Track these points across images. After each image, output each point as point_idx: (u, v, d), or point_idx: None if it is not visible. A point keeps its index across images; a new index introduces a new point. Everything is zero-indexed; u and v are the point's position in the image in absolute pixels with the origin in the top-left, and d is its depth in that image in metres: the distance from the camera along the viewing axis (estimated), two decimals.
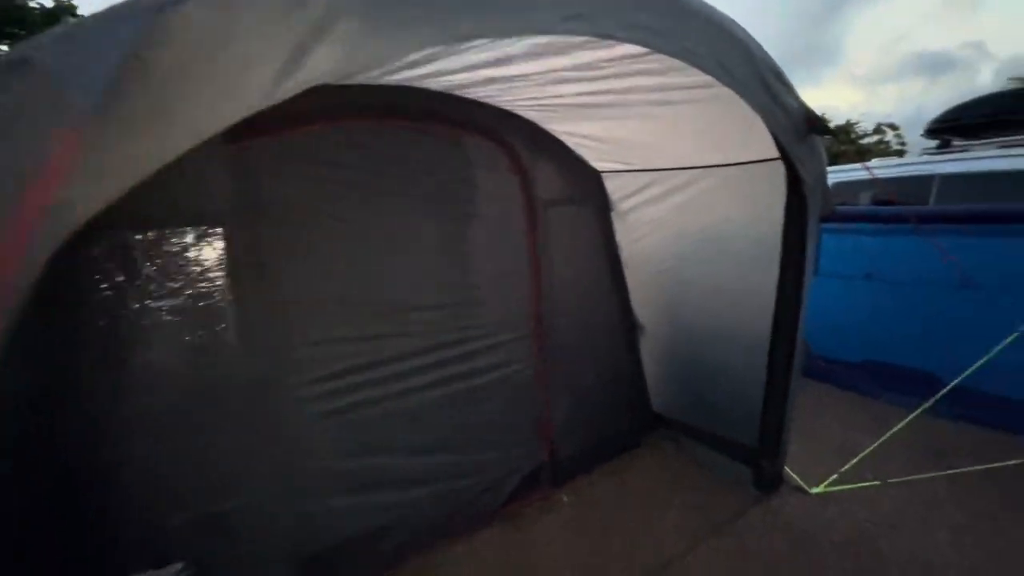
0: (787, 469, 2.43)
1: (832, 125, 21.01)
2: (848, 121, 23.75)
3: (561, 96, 2.00)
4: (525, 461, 2.43)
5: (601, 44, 1.45)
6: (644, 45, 1.30)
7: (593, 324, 2.71)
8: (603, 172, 2.70)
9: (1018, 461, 2.34)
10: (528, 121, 2.39)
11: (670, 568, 1.99)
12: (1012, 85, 12.02)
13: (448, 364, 2.20)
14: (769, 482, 2.38)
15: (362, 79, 1.77)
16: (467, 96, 2.13)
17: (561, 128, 2.42)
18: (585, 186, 2.66)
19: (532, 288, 2.44)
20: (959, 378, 2.71)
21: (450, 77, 1.85)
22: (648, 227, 2.64)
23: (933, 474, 2.37)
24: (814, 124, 1.79)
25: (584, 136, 2.41)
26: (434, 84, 1.96)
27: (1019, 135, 4.67)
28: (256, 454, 1.75)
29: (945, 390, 2.74)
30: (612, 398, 2.79)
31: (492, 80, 1.87)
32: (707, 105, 1.79)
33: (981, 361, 2.67)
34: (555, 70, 1.68)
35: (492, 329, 2.33)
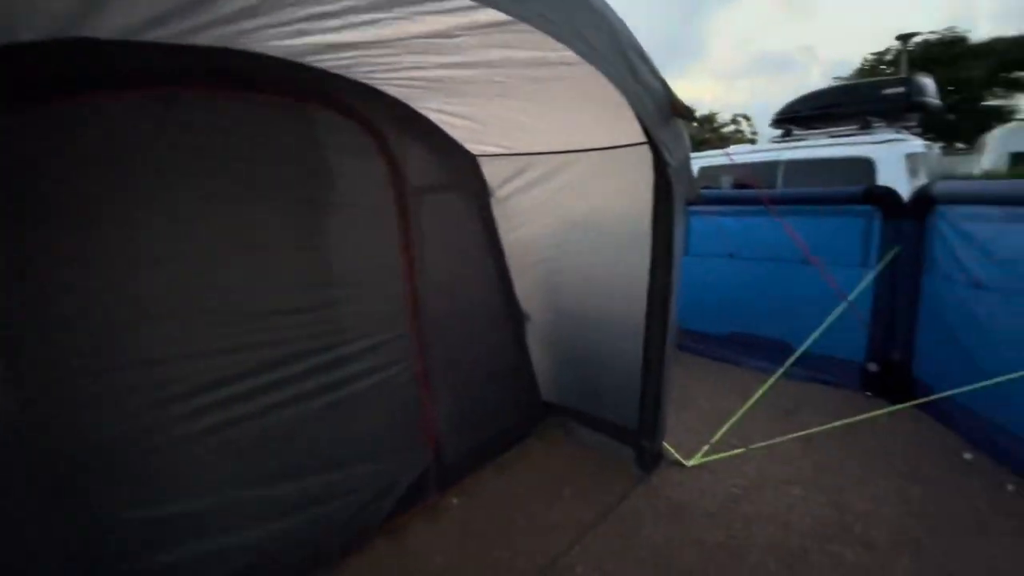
0: (666, 445, 2.53)
1: (697, 114, 23.14)
2: (711, 111, 26.33)
3: (423, 69, 1.80)
4: (409, 468, 2.25)
5: (452, 9, 1.28)
6: (487, 4, 1.15)
7: (477, 316, 2.58)
8: (479, 156, 2.55)
9: (857, 417, 2.65)
10: (395, 99, 2.15)
11: (557, 565, 1.96)
12: (834, 83, 14.02)
13: (318, 372, 1.93)
14: (650, 461, 2.46)
15: (174, 34, 1.42)
16: (316, 65, 1.84)
17: (431, 107, 2.22)
18: (461, 171, 2.49)
19: (407, 283, 2.23)
20: (804, 344, 3.03)
21: (286, 42, 1.56)
22: (526, 214, 2.56)
23: (790, 436, 2.61)
24: (678, 109, 1.79)
25: (456, 115, 2.23)
26: (270, 49, 1.65)
27: (842, 126, 5.44)
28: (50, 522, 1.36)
29: (794, 356, 3.05)
30: (500, 392, 2.69)
31: (335, 47, 1.61)
32: (576, 85, 1.71)
33: (821, 328, 3.01)
34: (405, 38, 1.48)
35: (366, 331, 2.09)
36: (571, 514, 2.22)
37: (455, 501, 2.35)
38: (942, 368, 2.75)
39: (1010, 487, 2.24)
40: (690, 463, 2.50)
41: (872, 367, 3.12)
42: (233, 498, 1.74)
